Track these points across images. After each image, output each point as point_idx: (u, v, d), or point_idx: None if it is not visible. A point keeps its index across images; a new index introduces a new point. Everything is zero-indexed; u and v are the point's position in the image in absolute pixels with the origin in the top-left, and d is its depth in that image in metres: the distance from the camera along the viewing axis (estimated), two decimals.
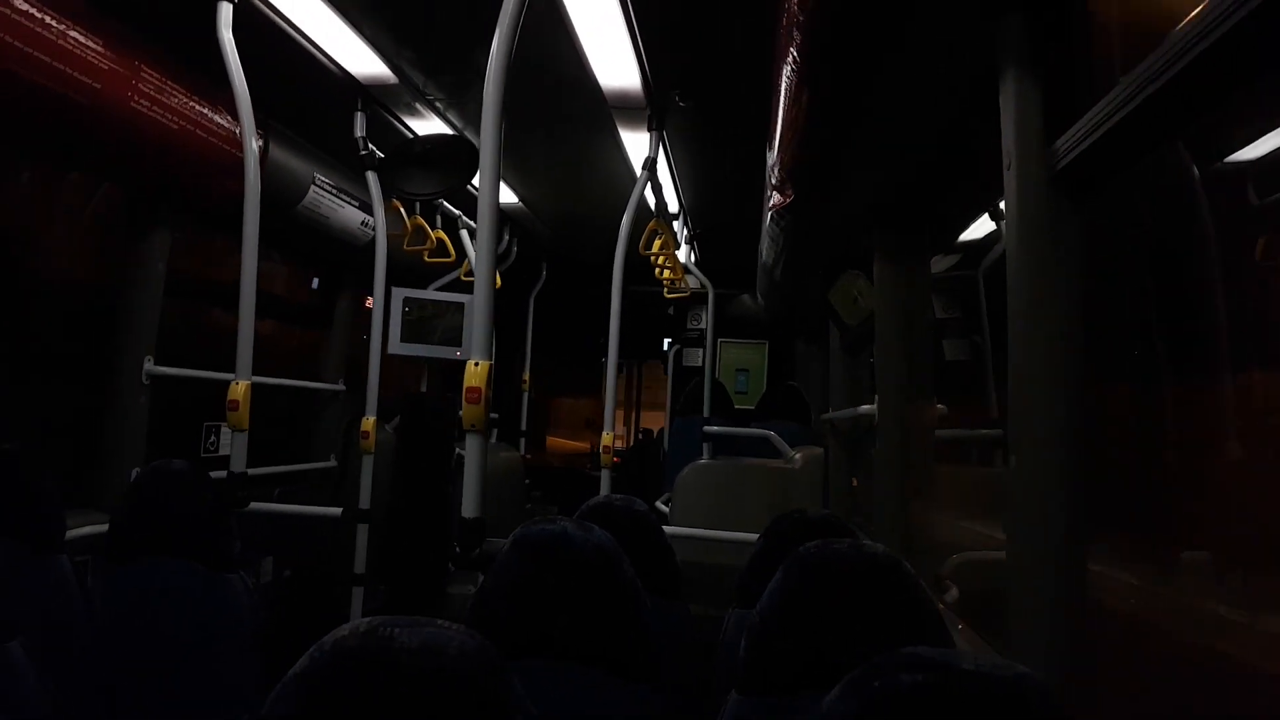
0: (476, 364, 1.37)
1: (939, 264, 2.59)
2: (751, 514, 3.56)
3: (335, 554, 3.17)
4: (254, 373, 2.35)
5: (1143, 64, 0.86)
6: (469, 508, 1.38)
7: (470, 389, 1.35)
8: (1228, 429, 1.16)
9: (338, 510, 2.87)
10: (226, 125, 2.65)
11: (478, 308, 1.39)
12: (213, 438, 3.34)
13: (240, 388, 2.26)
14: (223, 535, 1.74)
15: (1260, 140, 1.07)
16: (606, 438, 2.77)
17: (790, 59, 1.72)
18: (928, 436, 2.40)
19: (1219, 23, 0.74)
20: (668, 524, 3.93)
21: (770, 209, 2.79)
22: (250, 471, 2.41)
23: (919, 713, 0.63)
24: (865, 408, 2.59)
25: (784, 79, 1.85)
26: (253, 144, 2.36)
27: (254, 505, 2.58)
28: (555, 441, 8.02)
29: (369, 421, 2.95)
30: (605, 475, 2.77)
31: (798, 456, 4.00)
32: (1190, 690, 1.11)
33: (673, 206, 4.04)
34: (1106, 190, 1.10)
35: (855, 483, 3.60)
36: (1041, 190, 1.12)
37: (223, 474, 2.44)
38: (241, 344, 2.31)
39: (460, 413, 1.43)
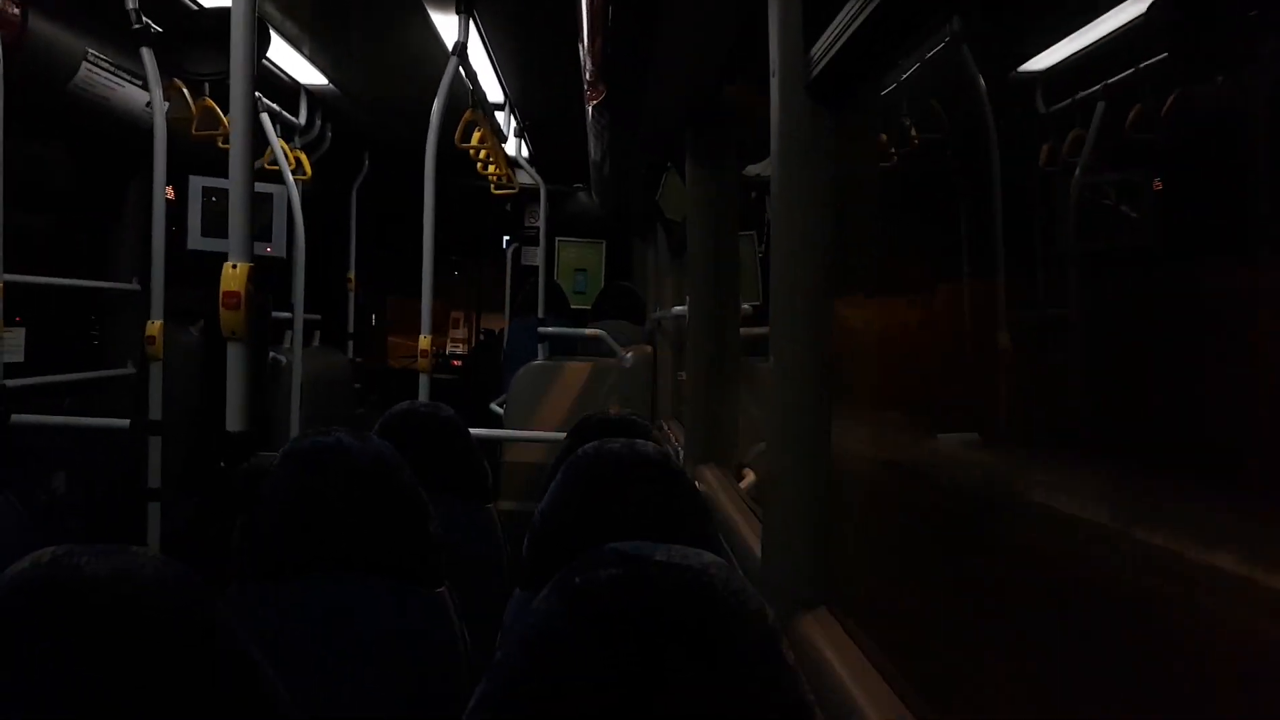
0: (235, 266, 1.28)
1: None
2: (585, 414, 3.63)
3: (134, 468, 2.98)
4: (32, 273, 2.12)
5: None
6: (233, 421, 1.32)
7: (228, 294, 1.27)
8: (999, 322, 1.27)
9: (125, 422, 2.68)
10: None
11: (234, 198, 1.29)
12: None
13: None
14: None
15: (1048, 51, 1.13)
16: (424, 341, 2.72)
17: None
18: (735, 333, 2.50)
19: None
20: (501, 424, 3.95)
21: (589, 106, 2.73)
22: (18, 382, 2.19)
23: (615, 604, 0.67)
24: (678, 309, 2.65)
25: None
26: None
27: (41, 419, 2.37)
28: (397, 342, 7.78)
29: (154, 325, 2.73)
30: (424, 381, 2.73)
31: (629, 356, 4.08)
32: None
33: (496, 96, 3.87)
34: (858, 98, 1.14)
35: (682, 379, 3.73)
36: (800, 98, 1.15)
37: None
38: None
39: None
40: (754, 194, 3.14)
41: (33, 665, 0.61)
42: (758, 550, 1.39)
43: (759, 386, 2.65)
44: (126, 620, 0.61)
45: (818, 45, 1.09)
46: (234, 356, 1.33)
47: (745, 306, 2.49)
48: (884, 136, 1.54)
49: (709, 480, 2.33)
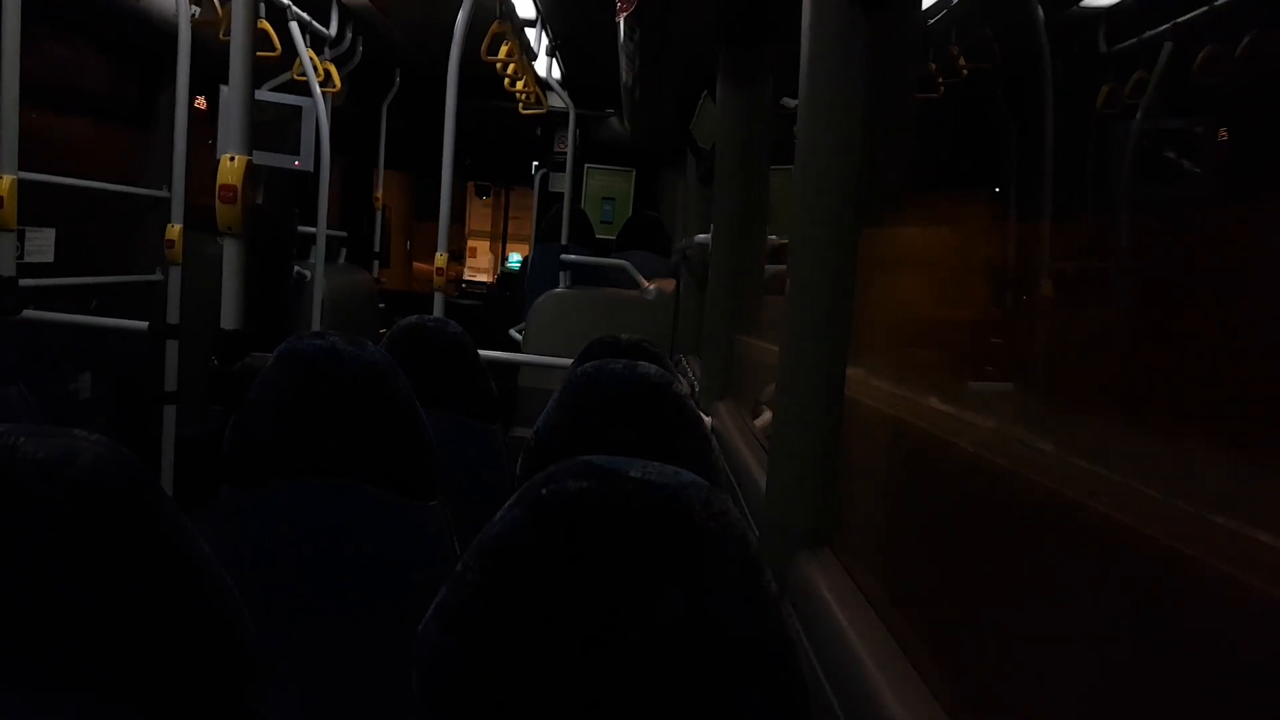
0: (232, 159, 1.24)
1: None
2: None
3: (150, 371, 3.00)
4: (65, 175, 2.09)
5: None
6: (228, 319, 1.29)
7: (224, 187, 1.22)
8: (1043, 269, 1.20)
9: (143, 324, 2.68)
10: None
11: (233, 91, 1.23)
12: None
13: (4, 183, 2.01)
14: None
15: None
16: (440, 259, 2.67)
17: None
18: (759, 267, 2.43)
19: None
20: (521, 351, 3.93)
21: (620, 19, 2.62)
22: (41, 281, 2.19)
23: (581, 518, 0.63)
24: (701, 236, 2.57)
25: None
26: None
27: (55, 316, 2.37)
28: (422, 268, 7.78)
29: (174, 229, 2.71)
30: (439, 299, 2.70)
31: (652, 287, 4.02)
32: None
33: (528, 11, 3.74)
34: (894, 3, 1.05)
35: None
36: (834, 2, 1.06)
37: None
38: (5, 133, 2.04)
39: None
40: (795, 127, 3.02)
41: None
42: (764, 488, 1.35)
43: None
44: (59, 503, 0.58)
45: None
46: (230, 253, 1.29)
47: (773, 237, 2.41)
48: (932, 66, 1.45)
49: (723, 416, 2.28)
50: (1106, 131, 1.07)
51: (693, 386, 2.71)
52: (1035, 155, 1.17)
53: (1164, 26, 0.96)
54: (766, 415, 2.28)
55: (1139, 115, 0.98)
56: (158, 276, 3.52)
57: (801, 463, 1.15)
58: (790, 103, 2.64)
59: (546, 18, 3.94)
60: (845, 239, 1.10)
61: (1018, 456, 1.01)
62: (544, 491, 0.63)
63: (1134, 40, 1.01)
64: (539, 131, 5.59)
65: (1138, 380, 0.90)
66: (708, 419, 1.79)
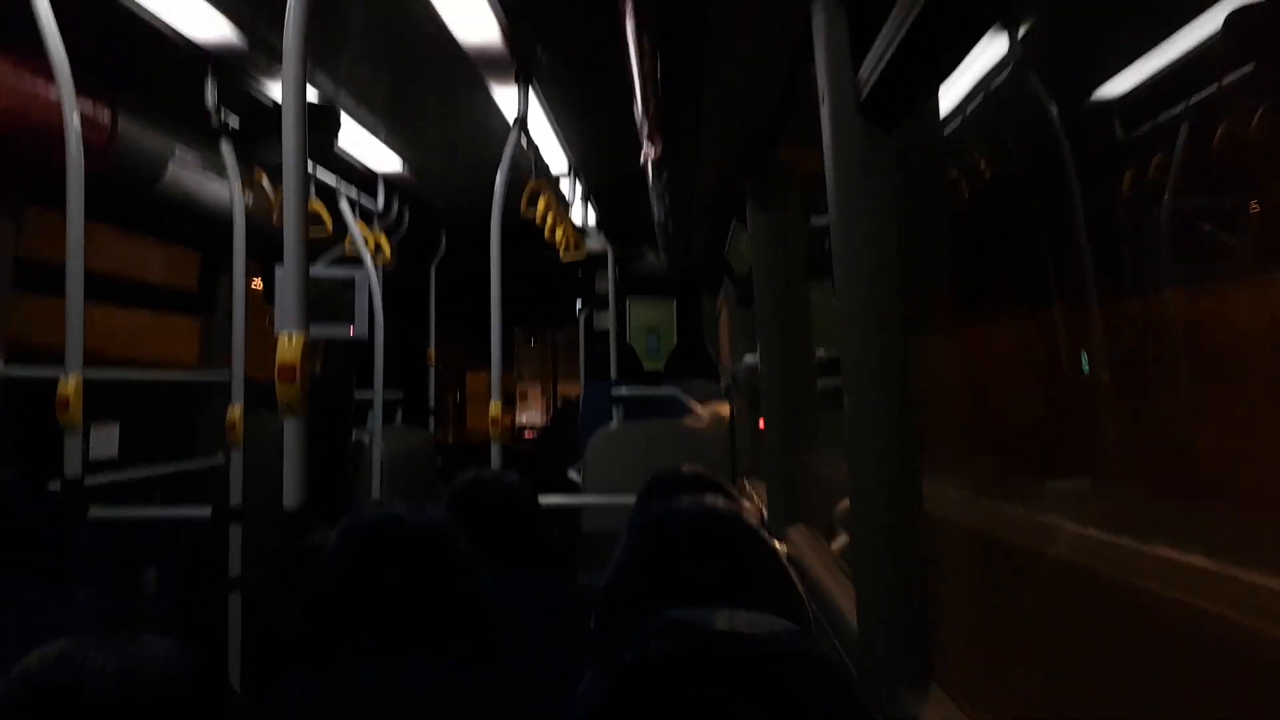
0: (290, 338, 1.27)
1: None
2: None
3: (217, 557, 3.03)
4: (135, 366, 2.20)
5: None
6: (290, 497, 1.30)
7: (284, 366, 1.25)
8: (1098, 359, 1.16)
9: (207, 510, 2.72)
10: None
11: (288, 270, 1.29)
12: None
13: (70, 383, 2.10)
14: (61, 550, 1.62)
15: (1119, 76, 1.05)
16: (494, 408, 2.70)
17: (627, 3, 1.65)
18: (811, 383, 2.40)
19: None
20: (580, 491, 3.89)
21: (648, 164, 2.73)
22: (103, 479, 2.24)
23: (672, 681, 0.58)
24: (749, 357, 2.57)
25: (628, 28, 1.78)
26: (73, 117, 2.19)
27: (120, 512, 2.43)
28: (478, 419, 7.90)
29: (235, 410, 2.79)
30: (495, 449, 2.70)
31: (705, 413, 3.99)
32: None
33: (561, 165, 3.93)
34: (910, 117, 1.06)
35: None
36: (852, 120, 1.08)
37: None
38: (71, 333, 2.15)
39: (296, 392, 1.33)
40: (827, 244, 3.07)
41: None
42: (854, 619, 1.27)
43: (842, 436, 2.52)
44: (132, 714, 0.56)
45: (865, 65, 1.03)
46: (290, 432, 1.31)
47: (820, 351, 2.39)
48: (954, 172, 1.46)
49: (797, 542, 2.20)
50: (1138, 216, 1.05)
51: (761, 512, 2.63)
52: (1070, 248, 1.15)
53: (1178, 109, 0.96)
54: (843, 538, 2.19)
55: (1167, 196, 0.97)
56: (219, 460, 3.61)
57: (891, 589, 1.08)
58: (819, 220, 2.69)
59: (578, 170, 4.14)
60: (896, 352, 1.08)
61: (1129, 564, 0.93)
62: (626, 656, 0.59)
63: (1149, 125, 1.01)
64: (580, 273, 5.76)
65: (1221, 465, 0.84)
66: (781, 546, 1.72)
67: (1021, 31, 1.13)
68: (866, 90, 1.01)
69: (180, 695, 0.58)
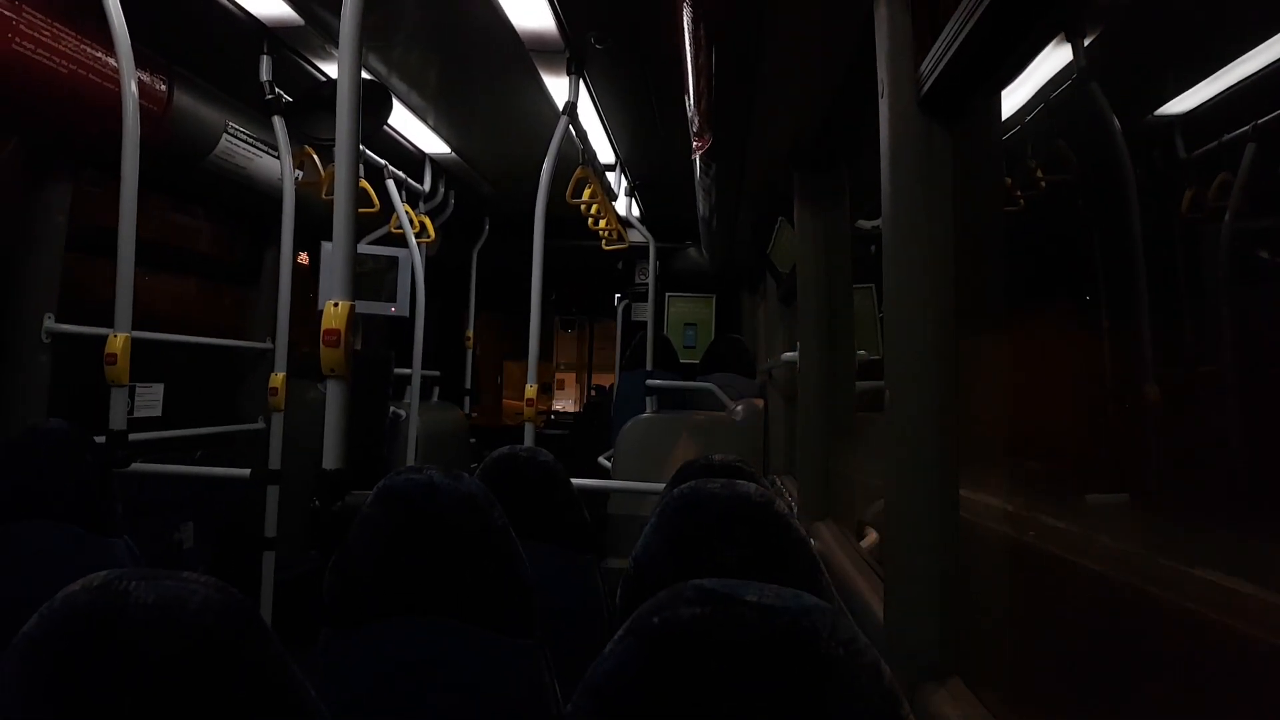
0: (336, 305, 1.31)
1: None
2: None
3: (252, 518, 3.10)
4: (181, 332, 2.26)
5: None
6: (330, 459, 1.33)
7: (328, 331, 1.29)
8: (1146, 375, 1.15)
9: (246, 472, 2.79)
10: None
11: (337, 243, 1.32)
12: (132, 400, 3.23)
13: (118, 341, 2.17)
14: (101, 498, 1.67)
15: (1186, 94, 1.04)
16: (530, 390, 2.73)
17: None
18: (849, 383, 2.39)
19: None
20: (610, 478, 3.91)
21: (696, 157, 2.73)
22: (147, 435, 2.31)
23: (699, 646, 0.59)
24: (788, 355, 2.56)
25: (685, 19, 1.79)
26: (131, 86, 2.25)
27: (160, 467, 2.50)
28: (512, 404, 7.97)
29: (278, 378, 2.86)
30: (529, 429, 2.73)
31: (740, 408, 3.99)
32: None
33: (607, 157, 3.95)
34: (972, 111, 1.06)
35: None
36: (911, 115, 1.08)
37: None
38: (120, 295, 2.22)
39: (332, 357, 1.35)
40: (873, 247, 3.05)
41: (78, 689, 0.59)
42: (880, 614, 1.27)
43: (877, 439, 2.51)
44: (170, 646, 0.59)
45: (927, 60, 1.03)
46: (333, 394, 1.34)
47: (861, 352, 2.38)
48: (1008, 180, 1.45)
49: (825, 538, 2.19)
50: (1195, 235, 1.04)
51: (790, 507, 2.62)
52: (1125, 262, 1.14)
53: (1244, 129, 0.94)
54: (872, 536, 2.17)
55: (1228, 217, 0.96)
56: (260, 425, 3.69)
57: (921, 586, 1.08)
58: (866, 224, 2.66)
59: (625, 162, 4.15)
60: (945, 354, 1.07)
61: (1158, 577, 0.93)
62: (656, 620, 0.61)
63: (1214, 144, 1.00)
64: (620, 265, 5.78)
65: (1259, 486, 0.83)
66: (814, 542, 1.72)
67: (1087, 41, 1.12)
68: (928, 85, 1.01)
69: (218, 627, 0.60)
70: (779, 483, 3.21)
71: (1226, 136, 0.97)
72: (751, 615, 0.60)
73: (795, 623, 0.59)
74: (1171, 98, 1.05)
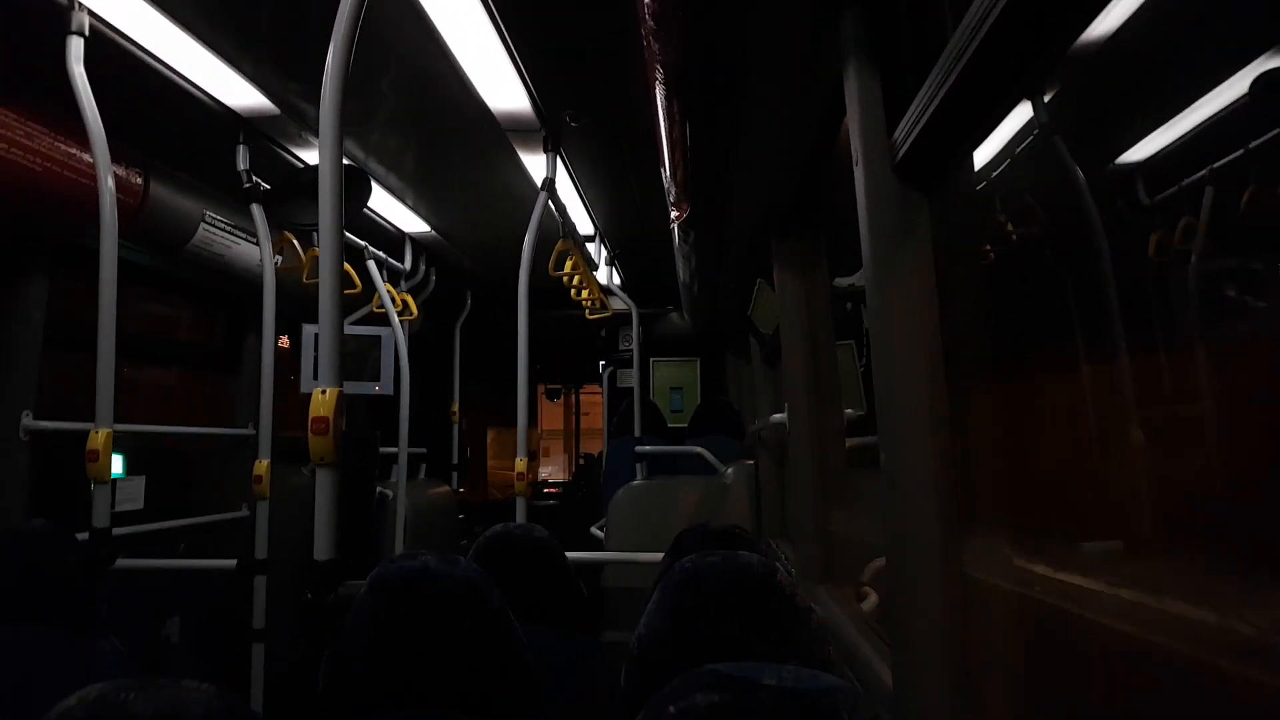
0: (324, 392, 1.29)
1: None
2: None
3: (239, 609, 3.02)
4: (162, 422, 2.23)
5: (949, 44, 0.84)
6: (321, 549, 1.30)
7: (317, 419, 1.27)
8: (1130, 419, 1.15)
9: (232, 562, 2.73)
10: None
11: (324, 329, 1.31)
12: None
13: (100, 437, 2.13)
14: (87, 599, 1.62)
15: (1144, 141, 1.08)
16: (520, 464, 2.70)
17: (657, 72, 1.70)
18: (839, 442, 2.38)
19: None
20: (603, 549, 3.86)
21: (674, 226, 2.77)
22: (141, 528, 2.26)
23: None
24: (777, 416, 2.56)
25: (658, 95, 1.83)
26: (108, 181, 2.26)
27: (145, 562, 2.44)
28: (498, 474, 7.89)
29: (261, 465, 2.81)
30: (520, 504, 2.69)
31: (729, 471, 3.96)
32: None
33: (586, 228, 4.00)
34: (948, 178, 1.08)
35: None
36: (887, 180, 1.10)
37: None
38: (101, 390, 2.19)
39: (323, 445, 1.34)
40: (849, 305, 3.09)
41: None
42: (888, 679, 1.25)
43: (870, 496, 2.49)
44: None
45: (900, 127, 1.05)
46: (323, 483, 1.32)
47: (848, 411, 2.38)
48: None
49: (826, 602, 2.16)
50: (1164, 278, 1.06)
51: (788, 571, 2.59)
52: (1098, 309, 1.16)
53: (1201, 173, 0.97)
54: (873, 598, 2.14)
55: (1194, 259, 0.98)
56: (244, 513, 3.62)
57: (929, 651, 1.06)
58: (843, 281, 2.70)
59: (605, 232, 4.20)
60: (939, 412, 1.08)
61: (1169, 629, 0.91)
62: (672, 710, 0.59)
63: (1174, 189, 1.03)
64: (603, 332, 5.80)
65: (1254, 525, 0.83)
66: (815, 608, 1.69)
67: (1047, 97, 1.16)
68: (902, 151, 1.03)
69: None
70: (775, 546, 3.18)
71: (1186, 181, 1.00)
72: (770, 700, 0.58)
73: (815, 705, 0.58)
74: (1130, 146, 1.08)
